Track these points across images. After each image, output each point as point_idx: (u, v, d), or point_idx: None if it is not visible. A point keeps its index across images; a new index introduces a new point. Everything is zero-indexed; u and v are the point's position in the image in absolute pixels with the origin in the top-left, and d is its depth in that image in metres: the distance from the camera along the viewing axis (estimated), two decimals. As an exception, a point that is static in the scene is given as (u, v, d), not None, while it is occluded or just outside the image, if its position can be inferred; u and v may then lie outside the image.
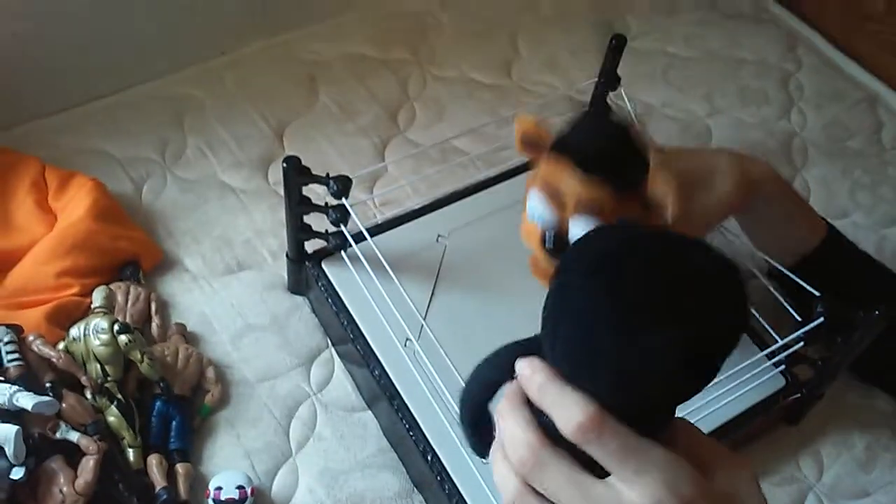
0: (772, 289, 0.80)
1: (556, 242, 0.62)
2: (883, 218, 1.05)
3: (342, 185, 0.77)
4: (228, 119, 1.04)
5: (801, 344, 0.77)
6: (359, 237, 0.80)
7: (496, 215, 0.89)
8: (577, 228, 0.61)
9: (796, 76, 1.19)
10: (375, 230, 0.86)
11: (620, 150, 0.61)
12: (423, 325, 0.79)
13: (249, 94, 1.06)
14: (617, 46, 0.87)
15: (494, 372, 0.44)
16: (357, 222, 0.78)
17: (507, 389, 0.43)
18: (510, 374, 0.43)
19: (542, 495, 0.40)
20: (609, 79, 0.89)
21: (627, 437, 0.38)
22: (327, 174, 0.77)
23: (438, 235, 0.88)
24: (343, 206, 0.77)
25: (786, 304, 0.79)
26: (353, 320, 0.81)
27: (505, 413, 0.42)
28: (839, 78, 1.20)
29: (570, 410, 0.38)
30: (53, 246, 0.84)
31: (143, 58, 1.04)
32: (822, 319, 0.75)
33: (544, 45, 1.18)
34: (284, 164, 0.75)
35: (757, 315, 0.81)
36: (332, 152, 1.02)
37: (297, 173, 0.76)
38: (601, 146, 0.61)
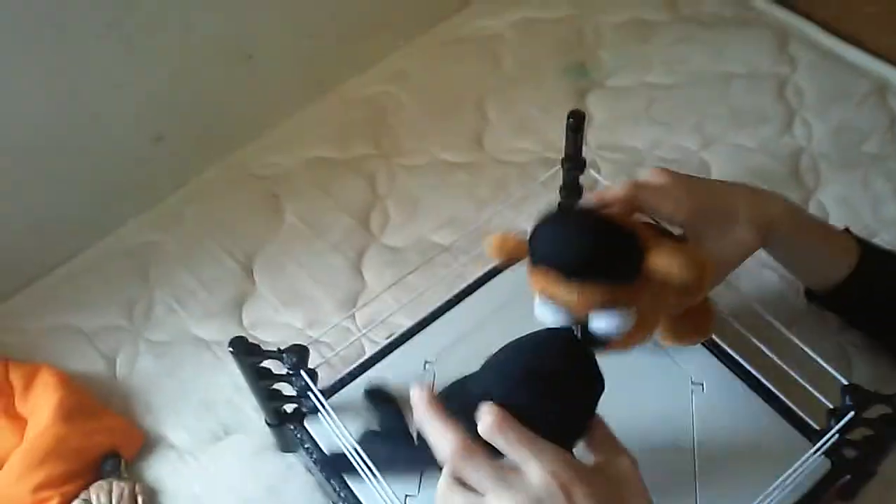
0: (797, 377, 0.71)
1: (584, 334, 0.59)
2: (916, 231, 0.94)
3: (298, 358, 0.70)
4: (193, 261, 0.98)
5: (838, 437, 0.68)
6: (329, 392, 0.73)
7: (486, 326, 0.81)
8: (600, 322, 0.58)
9: (793, 79, 1.08)
10: (358, 371, 0.80)
11: (603, 246, 0.58)
12: (419, 482, 0.73)
13: (212, 227, 1.00)
14: (576, 125, 0.79)
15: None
16: (314, 392, 0.71)
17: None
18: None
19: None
20: (574, 163, 0.81)
21: (520, 431, 0.51)
22: (278, 349, 0.70)
23: (426, 362, 0.81)
24: (300, 375, 0.71)
25: (812, 391, 0.70)
26: (346, 485, 0.75)
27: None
28: (841, 70, 1.09)
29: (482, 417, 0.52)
30: (24, 460, 0.79)
31: (96, 212, 0.99)
32: (852, 413, 0.66)
33: (513, 106, 1.09)
34: (231, 349, 0.69)
35: (790, 404, 0.73)
36: (304, 277, 0.96)
37: (247, 354, 0.70)
38: (582, 251, 0.58)
